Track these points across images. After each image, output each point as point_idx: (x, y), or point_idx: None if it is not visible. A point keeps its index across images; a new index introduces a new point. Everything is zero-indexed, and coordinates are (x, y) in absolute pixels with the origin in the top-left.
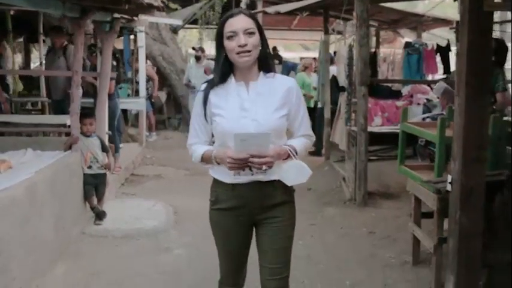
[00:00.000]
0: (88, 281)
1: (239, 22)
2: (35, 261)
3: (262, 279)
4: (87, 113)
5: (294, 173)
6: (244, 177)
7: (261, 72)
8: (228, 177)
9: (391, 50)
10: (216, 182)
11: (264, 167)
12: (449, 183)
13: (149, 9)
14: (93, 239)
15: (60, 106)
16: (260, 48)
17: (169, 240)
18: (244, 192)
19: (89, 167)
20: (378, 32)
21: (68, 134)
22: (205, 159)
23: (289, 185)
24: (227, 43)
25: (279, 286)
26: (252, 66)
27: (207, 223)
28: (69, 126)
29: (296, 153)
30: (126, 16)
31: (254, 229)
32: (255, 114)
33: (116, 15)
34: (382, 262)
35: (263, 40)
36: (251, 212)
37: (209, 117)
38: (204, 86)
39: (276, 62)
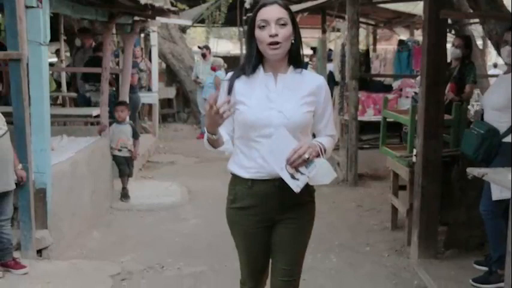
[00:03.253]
0: (120, 242)
1: (272, 11)
2: (77, 225)
3: (273, 278)
4: (120, 102)
5: (318, 172)
6: (263, 172)
7: (291, 66)
8: (247, 172)
9: (383, 48)
10: (234, 178)
11: (306, 155)
12: (415, 155)
13: (167, 13)
14: (121, 212)
15: (88, 99)
16: (292, 41)
17: (185, 212)
18: (263, 190)
19: (119, 150)
20: (375, 30)
21: (93, 124)
22: (208, 138)
23: (311, 184)
24: (258, 33)
25: (289, 287)
26: (283, 59)
27: (217, 199)
28: (94, 116)
29: (325, 152)
30: (143, 18)
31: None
32: (281, 107)
33: (136, 18)
34: (366, 228)
35: (296, 34)
36: (269, 211)
37: (235, 104)
38: (229, 74)
39: None
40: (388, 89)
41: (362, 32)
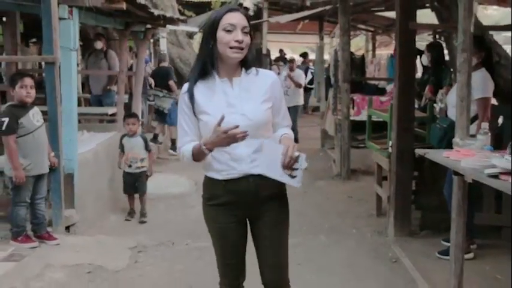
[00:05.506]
0: (135, 224)
1: (239, 18)
2: (97, 208)
3: (262, 273)
4: (131, 114)
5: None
6: (235, 173)
7: (243, 69)
8: (219, 174)
9: (379, 53)
10: (208, 180)
11: (296, 154)
12: (390, 146)
13: (177, 21)
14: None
15: (99, 99)
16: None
17: (192, 200)
18: (236, 188)
19: (129, 166)
20: (374, 36)
21: (111, 121)
22: (196, 153)
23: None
24: (223, 35)
25: (279, 278)
26: (236, 63)
27: None
28: (110, 115)
29: None
30: (155, 26)
31: (249, 225)
32: (242, 109)
33: (148, 26)
34: (354, 215)
35: (250, 42)
36: (245, 207)
37: (197, 115)
38: (186, 86)
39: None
40: (382, 92)
41: (362, 38)
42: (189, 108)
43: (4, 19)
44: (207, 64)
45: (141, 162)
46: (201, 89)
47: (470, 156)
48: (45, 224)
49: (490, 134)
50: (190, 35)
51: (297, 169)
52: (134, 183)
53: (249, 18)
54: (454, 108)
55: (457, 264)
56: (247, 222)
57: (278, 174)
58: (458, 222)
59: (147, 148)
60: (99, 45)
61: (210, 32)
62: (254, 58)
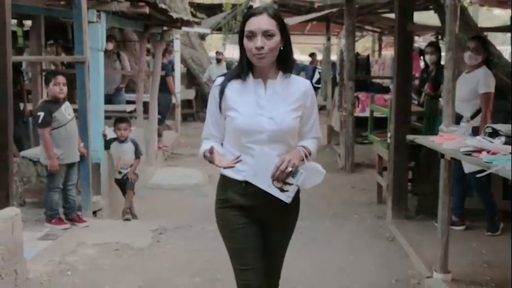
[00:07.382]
0: (154, 211)
1: (259, 22)
2: (119, 196)
3: None
4: (122, 118)
5: (309, 175)
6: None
7: (280, 72)
8: (240, 174)
9: (384, 53)
10: (226, 180)
11: (289, 169)
12: (389, 137)
13: (192, 23)
14: (152, 190)
15: (109, 98)
16: (281, 48)
17: (206, 190)
18: (256, 190)
19: (119, 173)
20: (380, 37)
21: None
22: (205, 156)
23: (306, 188)
24: (246, 42)
25: (271, 283)
26: (271, 65)
27: None
28: (128, 112)
29: (310, 155)
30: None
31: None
32: (271, 113)
33: (165, 28)
34: (357, 203)
35: (287, 41)
36: (260, 211)
37: (224, 110)
38: (220, 79)
39: None
40: (386, 90)
41: (369, 38)
42: (217, 102)
43: (23, 22)
44: (242, 66)
45: (130, 168)
46: (234, 86)
47: (451, 140)
48: (76, 208)
49: (471, 122)
50: (202, 37)
51: (291, 184)
52: (125, 185)
53: (278, 17)
54: (457, 102)
55: (443, 236)
56: (261, 226)
57: (266, 185)
58: (445, 200)
59: (136, 153)
60: (109, 46)
61: (239, 37)
62: (292, 62)
